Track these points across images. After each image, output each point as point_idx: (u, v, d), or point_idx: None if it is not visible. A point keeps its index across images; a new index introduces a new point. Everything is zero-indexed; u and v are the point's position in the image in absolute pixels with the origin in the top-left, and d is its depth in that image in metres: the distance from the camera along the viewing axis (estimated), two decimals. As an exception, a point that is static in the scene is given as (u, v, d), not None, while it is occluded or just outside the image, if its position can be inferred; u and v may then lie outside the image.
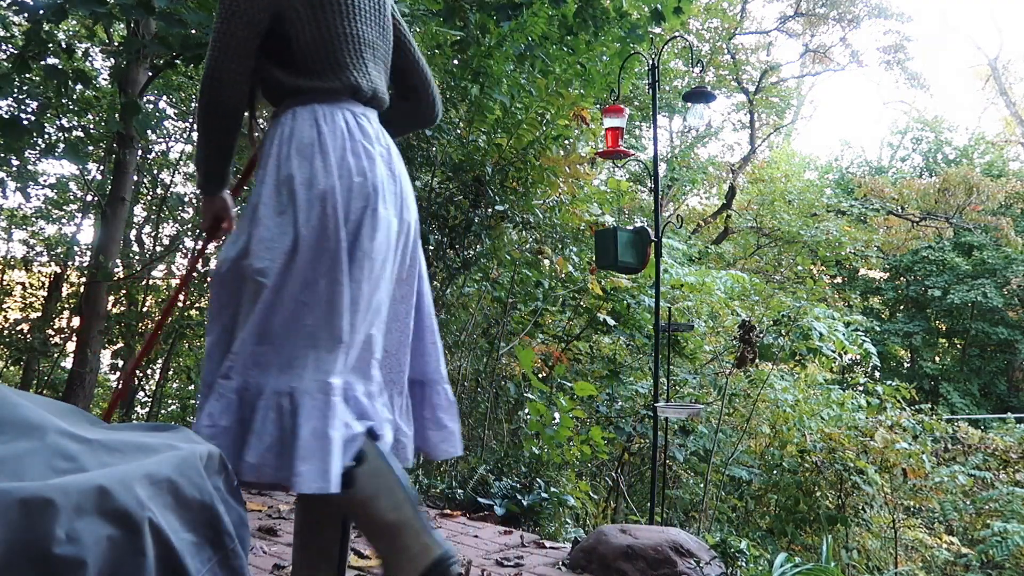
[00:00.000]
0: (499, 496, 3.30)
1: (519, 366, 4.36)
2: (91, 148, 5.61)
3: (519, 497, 3.27)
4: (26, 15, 3.18)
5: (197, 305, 5.93)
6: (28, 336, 6.04)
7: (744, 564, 2.35)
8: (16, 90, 3.84)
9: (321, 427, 1.34)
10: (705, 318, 5.86)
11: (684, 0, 3.91)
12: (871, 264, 15.12)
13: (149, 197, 7.03)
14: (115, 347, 5.73)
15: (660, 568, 2.25)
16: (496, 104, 3.97)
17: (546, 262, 4.73)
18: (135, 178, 5.50)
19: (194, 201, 6.71)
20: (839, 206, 13.91)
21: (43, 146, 4.60)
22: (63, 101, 3.36)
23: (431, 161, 4.03)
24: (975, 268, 15.36)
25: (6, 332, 6.24)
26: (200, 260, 2.52)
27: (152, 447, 0.90)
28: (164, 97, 6.38)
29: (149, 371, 6.39)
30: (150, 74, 4.49)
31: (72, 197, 6.93)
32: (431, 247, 3.90)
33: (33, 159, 5.50)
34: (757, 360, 4.75)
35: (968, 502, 5.72)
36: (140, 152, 5.45)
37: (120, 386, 3.33)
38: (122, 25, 4.97)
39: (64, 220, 7.23)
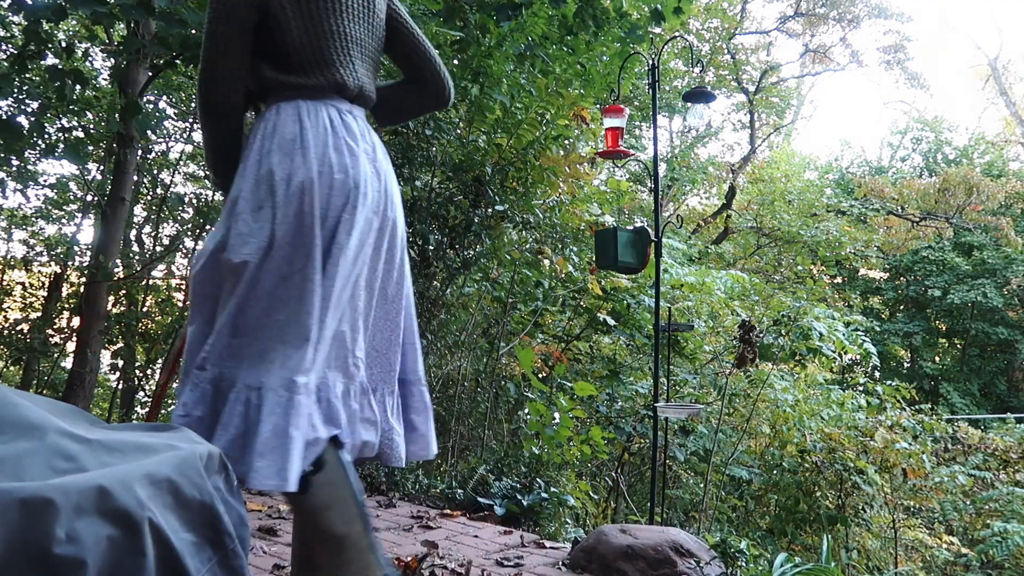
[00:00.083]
0: (499, 496, 3.30)
1: (519, 366, 4.36)
2: (91, 148, 5.61)
3: (519, 497, 3.27)
4: (24, 14, 3.18)
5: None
6: (28, 336, 6.04)
7: (744, 564, 2.35)
8: (16, 90, 3.84)
9: (283, 424, 1.34)
10: (705, 318, 5.86)
11: (684, 0, 3.92)
12: (871, 264, 15.13)
13: (149, 197, 7.03)
14: (115, 347, 5.73)
15: (660, 568, 2.25)
16: (496, 104, 3.97)
17: (546, 262, 4.73)
18: (135, 178, 5.51)
19: (194, 201, 6.71)
20: (839, 206, 13.91)
21: (43, 146, 4.60)
22: (63, 102, 3.36)
23: (431, 161, 4.03)
24: (975, 268, 15.36)
25: (6, 332, 6.24)
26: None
27: (152, 447, 0.90)
28: (164, 97, 6.39)
29: (149, 371, 6.39)
30: (150, 74, 4.49)
31: (72, 197, 6.93)
32: (431, 247, 3.90)
33: (33, 159, 5.50)
34: (757, 360, 4.75)
35: (968, 502, 5.72)
36: (140, 152, 5.45)
37: (153, 404, 3.36)
38: (122, 25, 4.97)
39: (64, 220, 7.23)
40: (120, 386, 6.86)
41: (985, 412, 13.39)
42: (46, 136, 4.63)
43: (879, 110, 44.45)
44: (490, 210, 3.99)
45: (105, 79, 5.85)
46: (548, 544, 2.73)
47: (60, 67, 3.36)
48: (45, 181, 6.39)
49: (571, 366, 5.20)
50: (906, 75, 15.41)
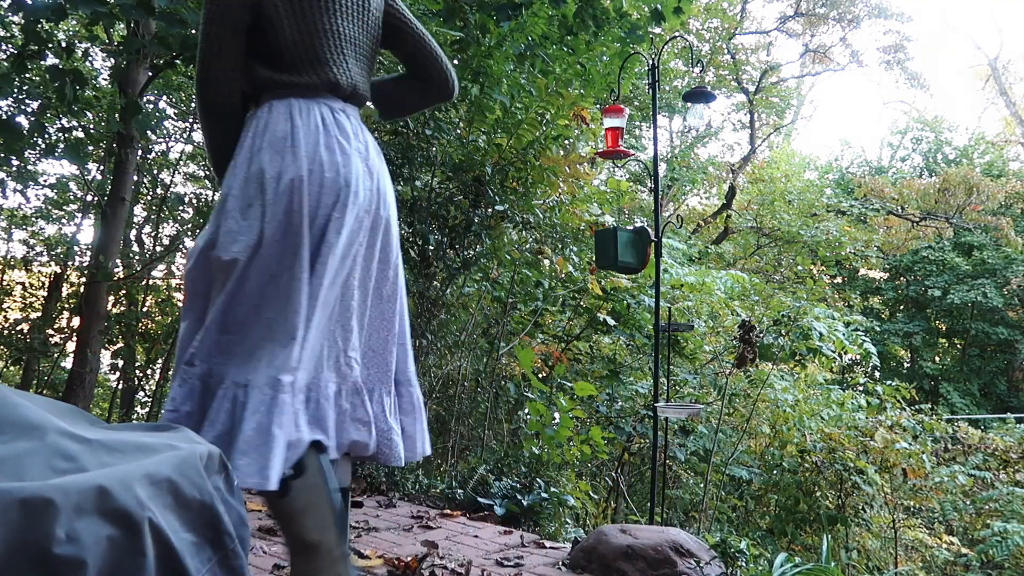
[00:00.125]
0: (499, 496, 3.30)
1: (519, 366, 4.35)
2: (91, 148, 5.61)
3: (519, 497, 3.26)
4: (24, 14, 3.18)
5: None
6: (28, 336, 6.04)
7: (744, 564, 2.35)
8: (16, 90, 3.84)
9: (266, 423, 1.34)
10: (705, 318, 5.86)
11: (684, 0, 3.91)
12: (871, 264, 15.12)
13: (149, 197, 7.04)
14: (115, 347, 5.73)
15: (660, 568, 2.25)
16: (496, 104, 3.97)
17: (546, 262, 4.73)
18: (135, 178, 5.50)
19: (194, 201, 6.71)
20: (839, 206, 13.91)
21: (43, 146, 4.61)
22: (63, 102, 3.36)
23: (431, 161, 4.03)
24: (975, 268, 15.36)
25: (6, 332, 6.24)
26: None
27: (152, 447, 0.90)
28: (164, 97, 6.38)
29: (149, 371, 6.39)
30: (150, 74, 4.49)
31: (72, 197, 6.93)
32: (431, 247, 3.90)
33: (33, 159, 5.50)
34: (757, 360, 4.75)
35: (968, 502, 5.72)
36: (140, 152, 5.45)
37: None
38: (122, 25, 4.97)
39: (64, 220, 7.23)
40: (120, 386, 6.86)
41: (985, 412, 13.39)
42: (46, 136, 4.63)
43: (879, 110, 44.47)
44: (490, 210, 3.99)
45: (105, 79, 5.85)
46: (548, 544, 2.73)
47: (60, 67, 3.36)
48: (45, 181, 6.40)
49: (571, 366, 5.20)
50: (906, 75, 15.41)
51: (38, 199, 6.58)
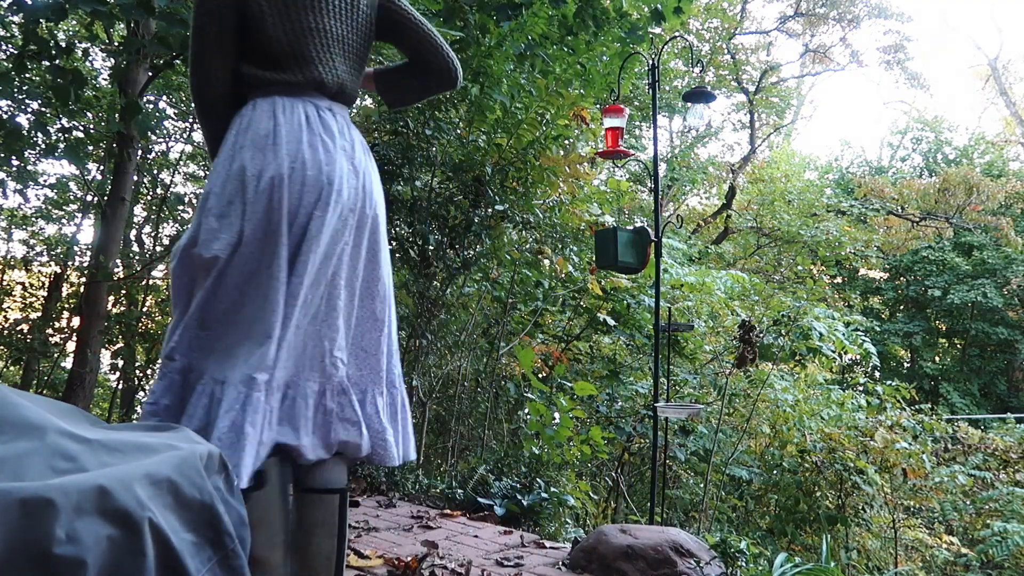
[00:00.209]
0: (499, 496, 3.30)
1: (519, 366, 4.36)
2: (91, 148, 5.61)
3: (519, 497, 3.26)
4: (24, 15, 3.18)
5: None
6: (28, 336, 6.04)
7: (744, 564, 2.35)
8: (16, 90, 3.84)
9: (239, 421, 1.35)
10: (705, 318, 5.86)
11: (684, 0, 3.91)
12: (871, 264, 15.12)
13: (149, 197, 7.04)
14: (115, 347, 5.73)
15: (660, 568, 2.25)
16: (496, 104, 3.97)
17: (546, 262, 4.73)
18: (135, 178, 5.50)
19: (194, 201, 6.71)
20: (839, 206, 13.91)
21: (43, 146, 4.60)
22: (63, 103, 3.36)
23: (431, 161, 4.03)
24: (975, 268, 15.36)
25: (6, 332, 6.24)
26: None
27: (152, 447, 0.90)
28: (164, 97, 6.38)
29: (149, 371, 6.39)
30: (150, 74, 4.49)
31: (72, 197, 6.93)
32: (431, 247, 3.90)
33: (33, 159, 5.50)
34: (757, 360, 4.75)
35: (968, 502, 5.73)
36: (140, 152, 5.45)
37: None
38: (122, 25, 4.97)
39: (64, 220, 7.23)
40: (120, 386, 6.87)
41: (985, 412, 13.39)
42: (46, 136, 4.64)
43: (879, 110, 44.44)
44: (490, 210, 3.99)
45: (105, 79, 5.85)
46: (548, 544, 2.73)
47: (60, 66, 3.36)
48: (45, 181, 6.39)
49: (571, 366, 5.20)
50: (906, 75, 15.41)
51: (38, 199, 6.58)
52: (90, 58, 5.80)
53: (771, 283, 9.30)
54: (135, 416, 6.40)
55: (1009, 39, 46.59)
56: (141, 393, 6.73)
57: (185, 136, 6.84)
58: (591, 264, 4.83)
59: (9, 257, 7.37)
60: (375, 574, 2.21)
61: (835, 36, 14.58)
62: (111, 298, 5.35)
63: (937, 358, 17.03)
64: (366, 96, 4.75)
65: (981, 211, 13.58)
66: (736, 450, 5.25)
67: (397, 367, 1.66)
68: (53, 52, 3.28)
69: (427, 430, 4.11)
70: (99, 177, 5.96)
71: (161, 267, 6.74)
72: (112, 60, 5.31)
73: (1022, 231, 14.76)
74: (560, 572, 2.40)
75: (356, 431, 1.50)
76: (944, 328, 16.74)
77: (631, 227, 3.67)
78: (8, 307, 7.00)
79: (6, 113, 4.11)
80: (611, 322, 5.19)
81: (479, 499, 3.29)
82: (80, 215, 7.00)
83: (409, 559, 2.30)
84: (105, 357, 5.44)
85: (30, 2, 3.08)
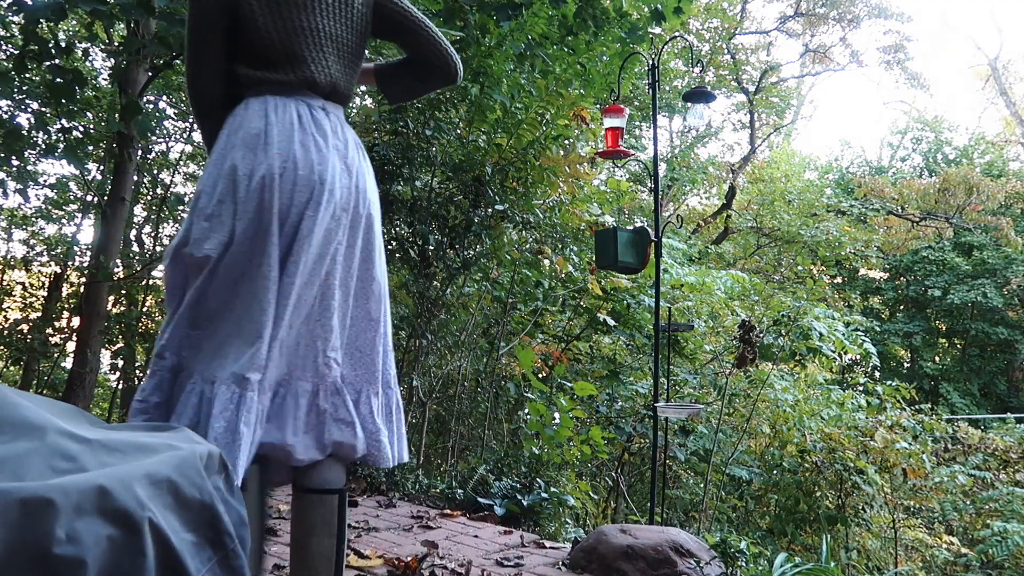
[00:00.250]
0: (499, 496, 3.30)
1: (519, 366, 4.36)
2: (91, 148, 5.61)
3: (519, 497, 3.27)
4: (25, 15, 3.18)
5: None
6: (28, 336, 6.04)
7: (744, 564, 2.35)
8: (16, 90, 3.84)
9: (234, 421, 1.36)
10: (705, 318, 5.86)
11: (684, 0, 3.91)
12: (871, 264, 15.13)
13: (149, 197, 7.04)
14: (115, 347, 5.73)
15: (660, 568, 2.25)
16: (496, 104, 3.97)
17: (546, 262, 4.73)
18: (135, 178, 5.51)
19: (194, 201, 6.70)
20: (839, 206, 13.91)
21: (43, 146, 4.61)
22: (60, 102, 3.37)
23: (431, 161, 4.03)
24: (975, 268, 15.37)
25: (6, 332, 6.24)
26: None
27: (152, 447, 0.90)
28: (164, 97, 6.39)
29: (150, 371, 6.39)
30: (150, 74, 4.49)
31: (72, 197, 6.93)
32: (431, 247, 3.90)
33: (33, 159, 5.51)
34: (757, 360, 4.75)
35: (968, 502, 5.73)
36: (140, 152, 5.45)
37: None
38: (122, 25, 4.97)
39: (64, 220, 7.24)
40: (120, 386, 6.86)
41: (985, 412, 13.39)
42: (46, 136, 4.64)
43: (879, 110, 44.46)
44: (490, 210, 3.99)
45: (105, 79, 5.86)
46: (548, 544, 2.73)
47: (60, 66, 3.36)
48: (45, 181, 6.40)
49: (571, 366, 5.20)
50: (906, 75, 15.41)
51: (38, 199, 6.59)
52: (90, 58, 5.80)
53: (771, 283, 9.30)
54: (135, 416, 6.39)
55: (1009, 39, 46.61)
56: (141, 393, 6.73)
57: (185, 136, 6.84)
58: (591, 264, 4.83)
59: (9, 257, 7.37)
60: (375, 574, 2.21)
61: (835, 36, 14.59)
62: (111, 298, 5.35)
63: (937, 358, 17.03)
64: (366, 96, 4.75)
65: (981, 211, 13.58)
66: (736, 450, 5.25)
67: (392, 368, 1.65)
68: (53, 52, 3.28)
69: (427, 430, 4.11)
70: (99, 177, 5.96)
71: (161, 267, 6.74)
72: (112, 60, 5.31)
73: (1022, 231, 14.76)
74: (560, 572, 2.40)
75: (350, 432, 1.50)
76: (944, 328, 16.74)
77: (631, 227, 3.67)
78: (8, 307, 7.00)
79: (6, 113, 4.11)
80: (611, 322, 5.19)
81: (479, 499, 3.29)
82: (80, 215, 7.01)
83: (409, 559, 2.30)
84: (105, 357, 5.45)
85: (30, 2, 3.08)
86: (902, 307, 17.08)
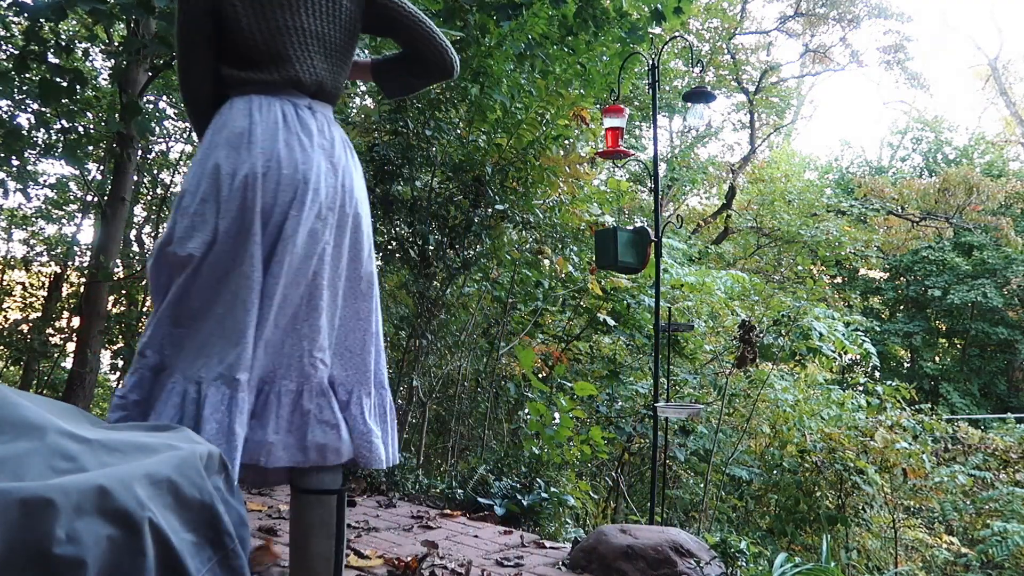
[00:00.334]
0: (499, 496, 3.30)
1: (519, 366, 4.36)
2: (91, 148, 5.61)
3: (519, 497, 3.27)
4: (26, 15, 3.18)
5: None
6: (28, 336, 6.04)
7: (744, 564, 2.35)
8: (16, 90, 3.84)
9: (227, 422, 1.36)
10: (705, 318, 5.86)
11: (684, 0, 3.91)
12: (871, 264, 15.13)
13: (149, 197, 7.04)
14: (115, 347, 5.73)
15: (660, 568, 2.25)
16: (496, 104, 3.97)
17: (546, 262, 4.73)
18: (135, 178, 5.51)
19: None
20: (839, 206, 13.91)
21: (43, 146, 4.61)
22: (65, 104, 3.37)
23: (431, 161, 4.03)
24: (975, 268, 15.37)
25: (6, 332, 6.24)
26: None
27: (152, 447, 0.90)
28: (164, 97, 6.39)
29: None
30: (150, 74, 4.49)
31: (72, 197, 6.93)
32: (431, 247, 3.90)
33: (33, 159, 5.51)
34: (757, 360, 4.75)
35: (968, 502, 5.73)
36: (140, 152, 5.45)
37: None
38: (122, 25, 4.97)
39: (64, 220, 7.24)
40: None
41: (985, 412, 13.39)
42: (46, 136, 4.64)
43: (879, 110, 44.48)
44: (490, 210, 3.99)
45: (105, 79, 5.86)
46: (548, 544, 2.73)
47: (60, 65, 3.36)
48: (45, 181, 6.40)
49: (571, 366, 5.20)
50: (906, 75, 15.42)
51: (38, 199, 6.58)
52: (90, 58, 5.80)
53: (771, 283, 9.30)
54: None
55: (1009, 39, 46.60)
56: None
57: (185, 136, 6.84)
58: (591, 264, 4.83)
59: (9, 257, 7.37)
60: (375, 574, 2.21)
61: (835, 36, 14.60)
62: (111, 298, 5.36)
63: (937, 358, 17.04)
64: (366, 96, 4.75)
65: (981, 211, 13.59)
66: (736, 450, 5.25)
67: (384, 368, 1.64)
68: (52, 52, 3.28)
69: (427, 430, 4.11)
70: (99, 177, 5.96)
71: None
72: (112, 60, 5.30)
73: (1022, 231, 14.76)
74: (560, 572, 2.40)
75: (334, 434, 1.47)
76: (944, 328, 16.75)
77: (631, 227, 3.67)
78: (8, 307, 7.00)
79: (6, 113, 4.11)
80: (611, 322, 5.19)
81: (479, 499, 3.29)
82: (80, 215, 7.01)
83: (409, 559, 2.30)
84: (105, 357, 5.44)
85: (31, 2, 3.08)
86: (902, 307, 17.08)
